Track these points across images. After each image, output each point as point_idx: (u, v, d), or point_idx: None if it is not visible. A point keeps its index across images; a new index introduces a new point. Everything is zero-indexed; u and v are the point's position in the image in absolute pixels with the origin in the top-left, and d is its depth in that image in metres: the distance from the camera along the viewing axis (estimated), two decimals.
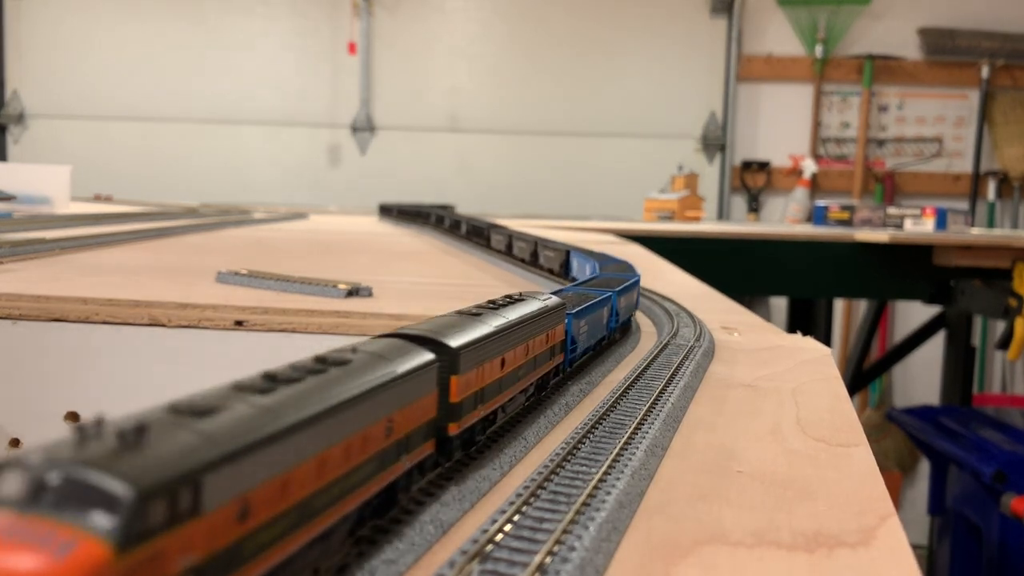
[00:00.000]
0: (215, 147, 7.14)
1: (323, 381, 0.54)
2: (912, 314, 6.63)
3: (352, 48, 7.02)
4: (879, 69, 7.00)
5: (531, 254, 2.26)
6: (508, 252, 2.47)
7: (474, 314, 0.82)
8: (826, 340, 5.30)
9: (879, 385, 6.88)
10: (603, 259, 1.81)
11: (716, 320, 1.62)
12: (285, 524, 0.47)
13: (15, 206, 3.57)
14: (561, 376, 1.09)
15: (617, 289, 1.32)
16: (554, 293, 1.16)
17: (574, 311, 1.08)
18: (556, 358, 1.03)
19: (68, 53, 7.12)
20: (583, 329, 1.12)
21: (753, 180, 7.12)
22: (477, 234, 2.76)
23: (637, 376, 1.08)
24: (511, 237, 2.41)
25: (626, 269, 1.65)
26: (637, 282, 1.50)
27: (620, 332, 1.44)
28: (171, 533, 0.38)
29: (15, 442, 1.40)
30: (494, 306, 0.88)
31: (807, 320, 5.44)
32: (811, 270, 4.35)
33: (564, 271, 2.01)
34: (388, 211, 4.94)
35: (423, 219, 3.89)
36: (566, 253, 2.01)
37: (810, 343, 1.48)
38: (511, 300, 0.94)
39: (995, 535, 3.75)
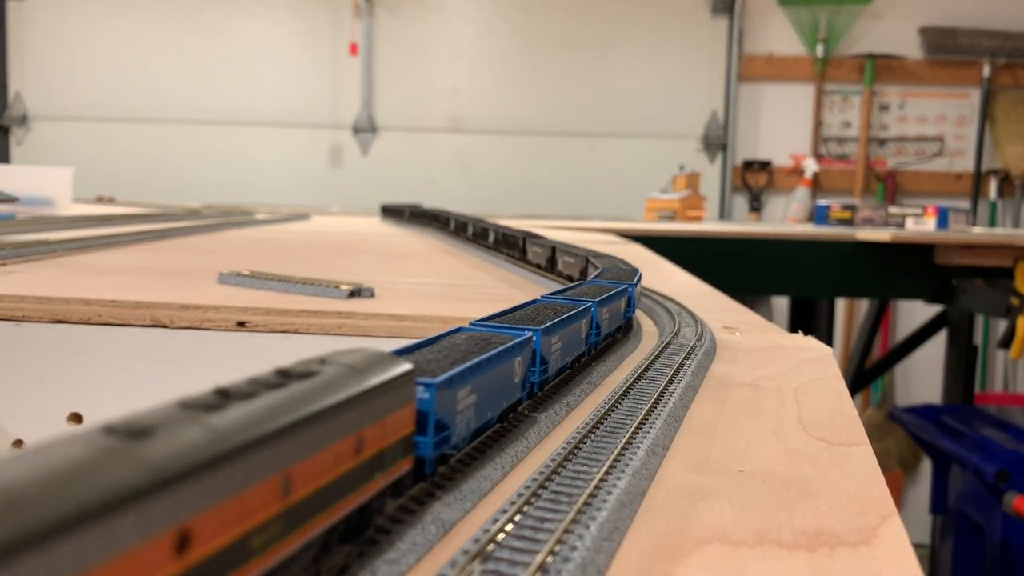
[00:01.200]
0: (217, 148, 7.15)
1: None
2: (914, 313, 6.62)
3: (354, 49, 7.03)
4: (880, 68, 7.00)
5: (548, 259, 2.23)
6: (514, 255, 2.47)
7: (132, 435, 0.38)
8: (828, 339, 5.30)
9: (881, 384, 6.88)
10: (609, 264, 1.72)
11: (717, 320, 1.62)
12: None
13: (18, 208, 3.58)
14: (417, 487, 0.66)
15: (544, 326, 0.93)
16: (435, 340, 0.81)
17: (441, 379, 0.65)
18: (391, 470, 0.58)
19: (70, 55, 7.13)
20: (466, 401, 0.71)
21: (754, 180, 7.12)
22: (509, 245, 2.57)
23: (639, 376, 1.08)
24: (531, 243, 2.37)
25: (597, 292, 1.24)
26: (589, 309, 1.12)
27: (603, 346, 1.27)
28: None
29: (18, 443, 1.41)
30: (222, 400, 0.45)
31: (808, 319, 5.44)
32: (812, 269, 4.35)
33: (582, 275, 1.84)
34: (389, 212, 4.94)
35: (437, 222, 3.84)
36: (584, 259, 1.87)
37: (811, 342, 1.48)
38: (283, 379, 0.50)
39: (997, 534, 3.74)
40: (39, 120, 7.19)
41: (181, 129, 7.14)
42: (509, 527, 0.60)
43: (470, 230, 3.09)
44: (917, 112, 7.08)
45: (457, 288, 2.04)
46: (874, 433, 6.58)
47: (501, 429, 0.85)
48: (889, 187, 7.03)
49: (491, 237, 2.77)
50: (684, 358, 1.20)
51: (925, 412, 4.58)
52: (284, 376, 0.51)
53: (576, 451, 0.77)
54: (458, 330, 0.88)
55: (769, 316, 6.16)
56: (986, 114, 6.96)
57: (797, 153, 7.09)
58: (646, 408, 0.92)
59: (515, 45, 7.13)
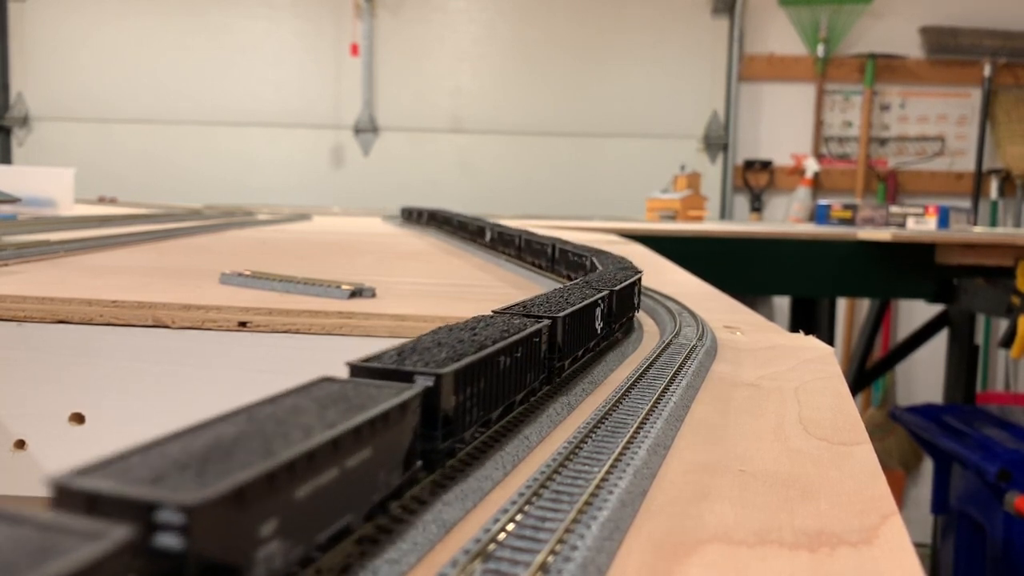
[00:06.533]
0: (219, 149, 7.16)
1: None
2: (915, 313, 6.62)
3: (355, 49, 7.03)
4: (881, 68, 7.00)
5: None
6: (516, 254, 2.47)
7: None
8: (829, 339, 5.30)
9: (882, 384, 6.88)
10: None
11: (719, 319, 1.62)
12: None
13: (20, 208, 3.58)
14: None
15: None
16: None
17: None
18: None
19: (72, 56, 7.13)
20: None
21: (756, 179, 7.12)
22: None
23: (640, 375, 1.08)
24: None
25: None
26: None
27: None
28: None
29: (20, 443, 1.41)
30: None
31: (810, 319, 5.44)
32: (814, 269, 4.35)
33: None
34: (410, 215, 4.75)
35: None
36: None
37: (813, 342, 1.48)
38: None
39: (999, 534, 3.74)
40: (41, 121, 7.20)
41: (183, 129, 7.15)
42: (510, 526, 0.60)
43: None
44: (918, 112, 7.08)
45: (459, 288, 2.04)
46: (875, 433, 6.58)
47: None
48: (890, 187, 7.02)
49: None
50: (685, 358, 1.20)
51: (926, 412, 4.58)
52: None
53: (577, 450, 0.77)
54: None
55: (770, 316, 6.16)
56: (987, 114, 6.95)
57: (798, 153, 7.09)
58: (647, 407, 0.92)
59: (517, 45, 7.13)
